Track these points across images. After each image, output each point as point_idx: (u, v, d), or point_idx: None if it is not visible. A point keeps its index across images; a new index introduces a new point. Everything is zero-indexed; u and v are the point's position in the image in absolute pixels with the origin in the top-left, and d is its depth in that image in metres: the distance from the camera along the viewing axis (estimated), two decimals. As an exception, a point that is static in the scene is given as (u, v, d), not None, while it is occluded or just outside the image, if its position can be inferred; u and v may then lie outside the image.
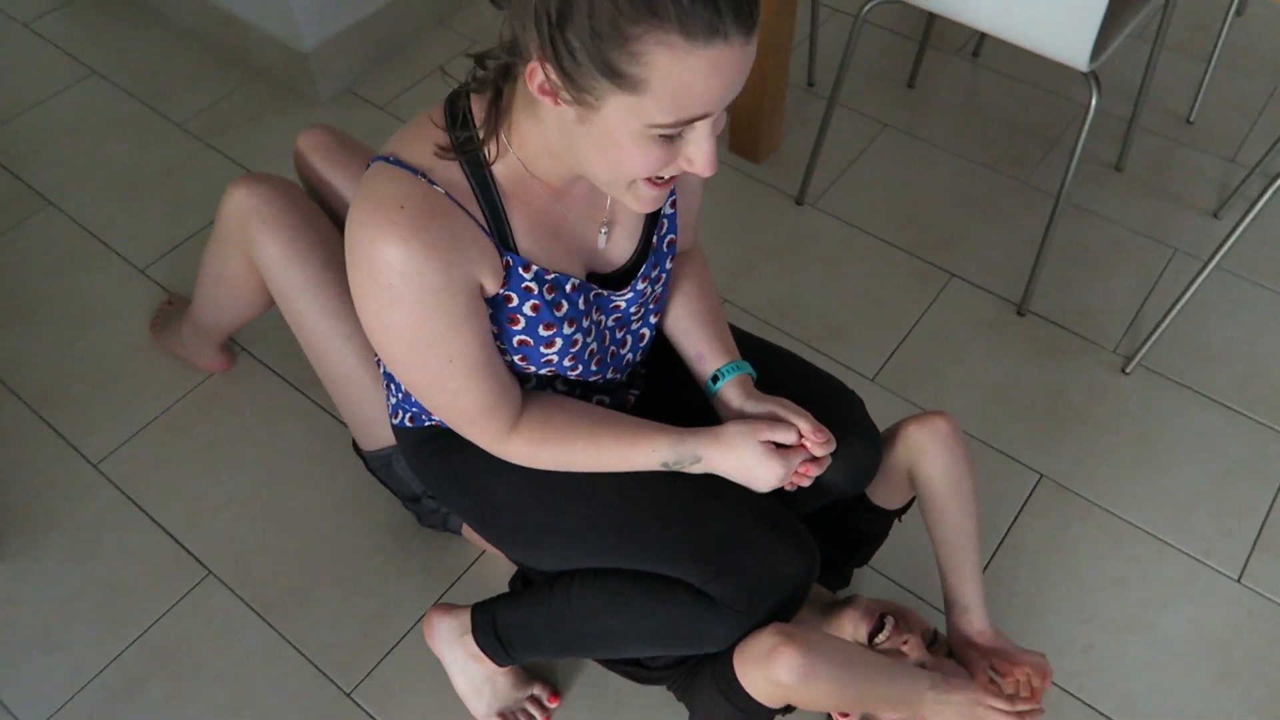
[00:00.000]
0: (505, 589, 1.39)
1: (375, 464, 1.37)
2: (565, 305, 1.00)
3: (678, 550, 1.04)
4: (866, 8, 1.62)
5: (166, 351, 1.65)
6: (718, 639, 1.06)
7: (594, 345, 1.06)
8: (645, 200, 0.90)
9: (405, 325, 0.92)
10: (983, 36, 2.16)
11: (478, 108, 0.91)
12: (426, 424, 1.13)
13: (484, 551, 1.44)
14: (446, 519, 1.40)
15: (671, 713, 1.28)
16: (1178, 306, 1.55)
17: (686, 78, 0.76)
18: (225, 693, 1.32)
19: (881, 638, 1.16)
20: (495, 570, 1.42)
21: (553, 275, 0.97)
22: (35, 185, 1.92)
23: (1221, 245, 1.46)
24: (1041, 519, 1.47)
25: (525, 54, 0.80)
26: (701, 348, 1.12)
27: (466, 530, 1.41)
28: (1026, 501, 1.48)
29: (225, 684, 1.33)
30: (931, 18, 2.00)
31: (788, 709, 1.14)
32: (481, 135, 0.90)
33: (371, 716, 1.30)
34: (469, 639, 1.21)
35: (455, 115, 0.92)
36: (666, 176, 0.88)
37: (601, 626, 1.10)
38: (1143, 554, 1.43)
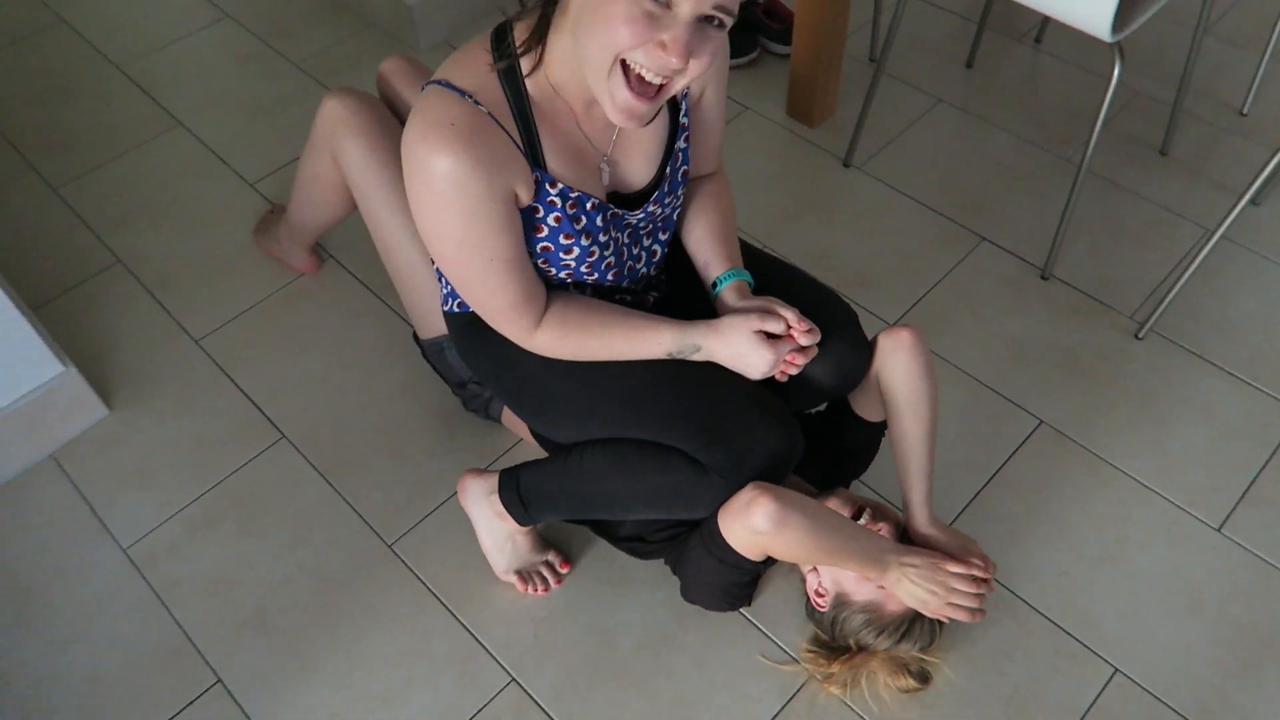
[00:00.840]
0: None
1: (430, 351, 1.55)
2: (584, 220, 1.16)
3: (676, 420, 1.19)
4: (915, -22, 1.74)
5: (266, 253, 1.88)
6: (706, 502, 1.20)
7: (611, 258, 1.22)
8: (621, 106, 1.00)
9: (453, 228, 1.08)
10: (1045, 23, 2.24)
11: (521, 31, 1.07)
12: (471, 309, 1.31)
13: (520, 440, 1.61)
14: (489, 405, 1.58)
15: (669, 586, 1.43)
16: (1187, 273, 1.62)
17: None
18: (286, 533, 1.52)
19: (861, 523, 1.28)
20: (528, 456, 1.59)
21: (576, 194, 1.13)
22: (169, 108, 2.18)
23: (1228, 214, 1.54)
24: (1035, 459, 1.56)
25: None
26: (709, 257, 1.27)
27: (506, 418, 1.58)
28: (1023, 443, 1.58)
29: (287, 526, 1.53)
30: (989, 1, 2.10)
31: (768, 562, 1.27)
32: (524, 47, 1.06)
33: (407, 565, 1.48)
34: (495, 498, 1.38)
35: (502, 41, 1.08)
36: (647, 78, 0.99)
37: (608, 487, 1.26)
38: (1128, 498, 1.51)
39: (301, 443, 1.63)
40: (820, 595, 1.33)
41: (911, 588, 1.23)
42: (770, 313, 1.17)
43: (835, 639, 1.34)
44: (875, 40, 2.22)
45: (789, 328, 1.16)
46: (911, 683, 1.32)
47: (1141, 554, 1.46)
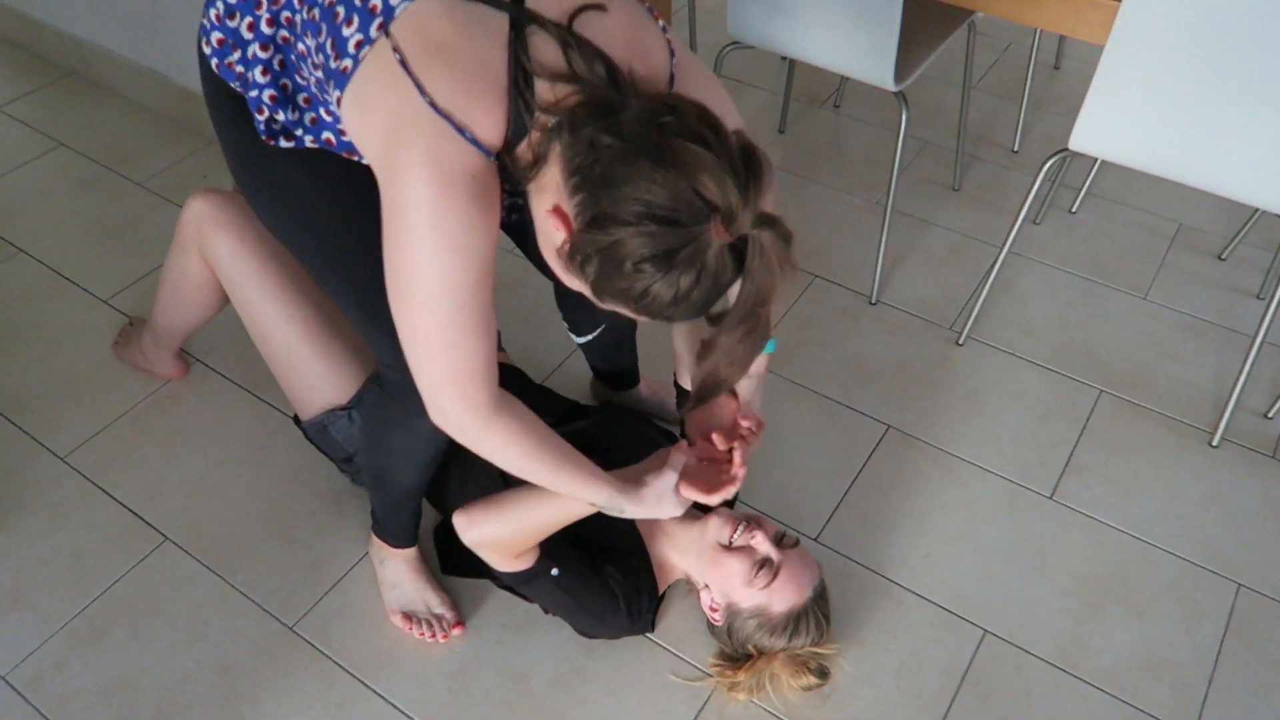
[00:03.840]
0: (430, 544, 1.60)
1: (312, 431, 1.59)
2: None
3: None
4: (722, 51, 1.96)
5: (129, 364, 1.87)
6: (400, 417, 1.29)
7: None
8: None
9: (448, 273, 0.96)
10: (841, 89, 2.52)
11: (531, 140, 0.95)
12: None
13: (410, 507, 1.65)
14: None
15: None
16: (988, 285, 1.86)
17: None
18: (181, 632, 1.50)
19: (736, 534, 1.39)
20: (422, 527, 1.63)
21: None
22: (7, 236, 2.16)
23: (1010, 232, 1.79)
24: (889, 460, 1.73)
25: (557, 195, 0.92)
26: None
27: None
28: (876, 447, 1.74)
29: (181, 625, 1.51)
30: (791, 73, 2.36)
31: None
32: (529, 178, 0.97)
33: (311, 644, 1.49)
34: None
35: (519, 118, 0.94)
36: None
37: (372, 462, 1.41)
38: (971, 481, 1.69)
39: (187, 542, 1.61)
40: (714, 610, 1.42)
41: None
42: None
43: (736, 648, 1.43)
44: (696, 116, 2.45)
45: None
46: (812, 679, 1.41)
47: (990, 528, 1.63)
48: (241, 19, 1.09)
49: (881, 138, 2.43)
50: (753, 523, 1.41)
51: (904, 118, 1.81)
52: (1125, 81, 1.49)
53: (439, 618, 1.49)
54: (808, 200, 2.25)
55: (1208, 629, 1.50)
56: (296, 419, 1.62)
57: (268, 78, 1.10)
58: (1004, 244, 1.82)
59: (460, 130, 0.93)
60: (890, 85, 1.75)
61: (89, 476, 1.70)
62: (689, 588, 1.51)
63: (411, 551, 1.50)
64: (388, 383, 1.28)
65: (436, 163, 0.93)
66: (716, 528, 1.42)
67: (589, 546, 1.43)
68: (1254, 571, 1.57)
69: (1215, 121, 1.47)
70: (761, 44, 1.84)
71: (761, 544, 1.39)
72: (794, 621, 1.39)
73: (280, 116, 1.12)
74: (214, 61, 1.14)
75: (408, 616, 1.49)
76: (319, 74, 1.03)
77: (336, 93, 1.00)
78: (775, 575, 1.36)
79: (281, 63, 1.09)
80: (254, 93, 1.11)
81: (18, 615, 1.52)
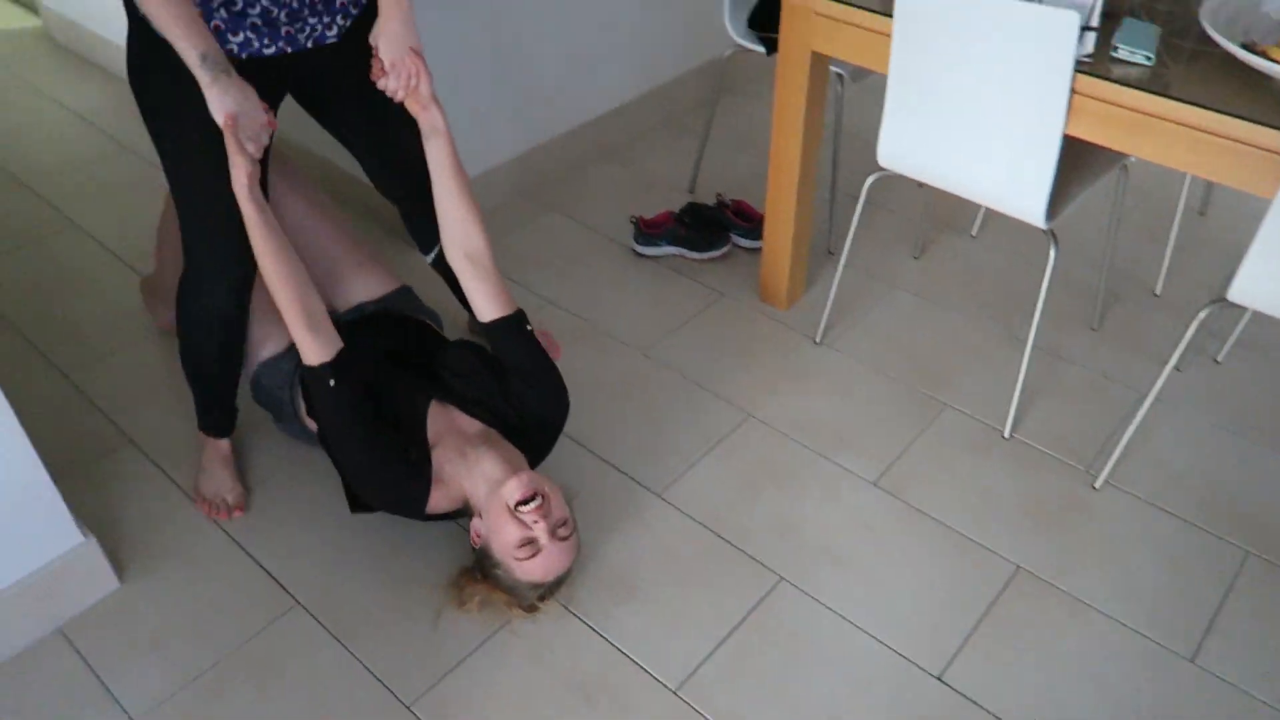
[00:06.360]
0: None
1: (252, 383, 1.85)
2: None
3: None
4: (870, 180, 2.01)
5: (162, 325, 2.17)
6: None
7: None
8: None
9: None
10: (978, 218, 2.54)
11: None
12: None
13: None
14: (293, 405, 1.81)
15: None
16: (1129, 431, 1.82)
17: None
18: (303, 699, 1.53)
19: (527, 508, 1.49)
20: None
21: None
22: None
23: (1159, 379, 1.76)
24: (1018, 601, 1.67)
25: None
26: None
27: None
28: (1005, 588, 1.69)
29: (304, 692, 1.54)
30: (930, 200, 2.39)
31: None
32: None
33: (425, 725, 1.50)
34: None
35: None
36: None
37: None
38: (1106, 633, 1.62)
39: (316, 607, 1.66)
40: (477, 536, 1.60)
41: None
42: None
43: (480, 566, 1.60)
44: (832, 234, 2.49)
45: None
46: (523, 614, 1.61)
47: (1127, 689, 1.55)
48: None
49: (1018, 269, 2.42)
50: (543, 507, 1.50)
51: (1052, 254, 1.81)
52: (1293, 239, 1.47)
53: (225, 502, 1.79)
54: (942, 328, 2.25)
55: (1370, 827, 1.39)
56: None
57: None
58: (1150, 391, 1.78)
59: None
60: (1041, 223, 1.76)
61: (230, 533, 1.79)
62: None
63: (224, 444, 1.82)
64: (186, 266, 1.60)
65: None
66: (513, 488, 1.50)
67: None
68: None
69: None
70: (911, 174, 1.88)
71: (540, 534, 1.50)
72: (528, 585, 1.56)
73: None
74: None
75: (205, 500, 1.79)
76: None
77: None
78: (534, 556, 1.49)
79: None
80: None
81: (152, 664, 1.58)
